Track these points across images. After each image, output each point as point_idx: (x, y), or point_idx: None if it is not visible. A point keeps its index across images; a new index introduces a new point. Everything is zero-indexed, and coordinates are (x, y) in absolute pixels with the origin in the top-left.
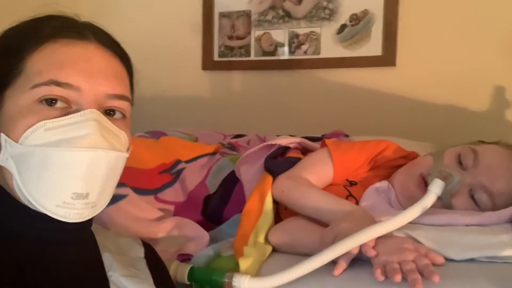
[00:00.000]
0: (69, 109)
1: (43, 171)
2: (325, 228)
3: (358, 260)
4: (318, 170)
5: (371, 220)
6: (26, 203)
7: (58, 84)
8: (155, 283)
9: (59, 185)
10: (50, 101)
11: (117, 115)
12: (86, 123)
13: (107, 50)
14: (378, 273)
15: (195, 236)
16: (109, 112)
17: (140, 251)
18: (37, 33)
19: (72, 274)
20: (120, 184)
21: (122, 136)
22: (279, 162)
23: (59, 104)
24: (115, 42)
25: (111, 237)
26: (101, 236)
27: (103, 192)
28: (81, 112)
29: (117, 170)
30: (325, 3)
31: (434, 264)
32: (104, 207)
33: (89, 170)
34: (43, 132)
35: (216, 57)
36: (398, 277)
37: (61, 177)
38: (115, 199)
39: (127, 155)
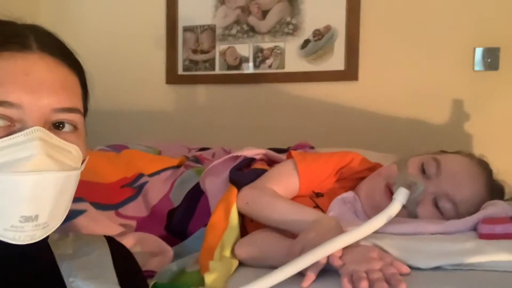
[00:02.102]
0: (12, 128)
1: None
2: (292, 239)
3: (326, 271)
4: (284, 181)
5: (338, 229)
6: None
7: None
8: (120, 280)
9: (5, 209)
10: None
11: (67, 128)
12: (29, 144)
13: (52, 59)
14: (345, 282)
15: (158, 252)
16: (58, 126)
17: (105, 248)
18: None
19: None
20: (78, 199)
21: (73, 150)
22: (244, 173)
23: (1, 123)
24: (62, 48)
25: (69, 242)
26: (59, 246)
27: (55, 212)
28: (24, 131)
29: (69, 188)
30: (288, 19)
31: (400, 274)
32: (59, 225)
33: (35, 193)
34: None
35: (180, 71)
36: (364, 283)
37: (5, 201)
38: (73, 215)
39: (80, 170)
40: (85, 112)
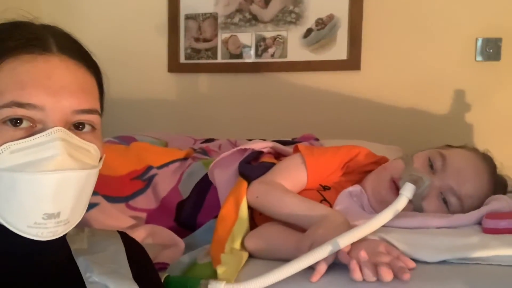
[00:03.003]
0: (34, 128)
1: (11, 194)
2: (301, 232)
3: (335, 265)
4: (292, 175)
5: (346, 224)
6: None
7: (20, 105)
8: (134, 275)
9: (28, 207)
10: (15, 121)
11: (86, 128)
12: (52, 144)
13: (72, 61)
14: (355, 268)
15: (170, 244)
16: (77, 126)
17: (119, 243)
18: None
19: (44, 282)
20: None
21: (92, 149)
22: (253, 167)
23: (24, 124)
24: (81, 50)
25: (85, 238)
26: (75, 241)
27: (75, 208)
28: (46, 132)
29: (89, 186)
30: (291, 7)
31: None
32: (79, 221)
33: (57, 191)
34: (8, 154)
35: (182, 59)
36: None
37: (29, 199)
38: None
39: (98, 168)
40: (101, 111)
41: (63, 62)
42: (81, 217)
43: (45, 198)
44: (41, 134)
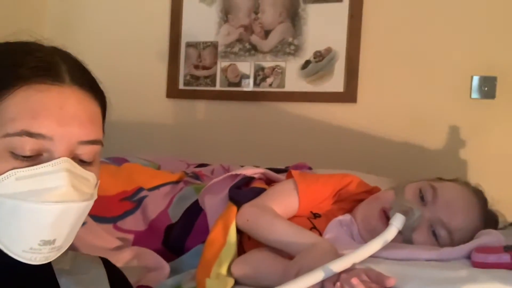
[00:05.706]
0: (40, 157)
1: (11, 219)
2: (289, 259)
3: None
4: (284, 200)
5: (334, 253)
6: None
7: (30, 135)
8: None
9: (26, 233)
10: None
11: (89, 159)
12: (57, 175)
13: (81, 91)
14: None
15: (155, 267)
16: (82, 159)
17: (101, 268)
18: (10, 76)
19: None
20: None
21: (91, 178)
22: (243, 192)
23: (30, 153)
24: (90, 79)
25: (69, 260)
26: (58, 261)
27: (69, 235)
28: (53, 162)
29: (84, 215)
30: (290, 39)
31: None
32: (69, 245)
33: (57, 221)
34: (14, 181)
35: (181, 86)
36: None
37: (29, 226)
38: None
39: (95, 198)
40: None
41: (74, 93)
42: (71, 241)
43: (45, 226)
44: (48, 163)
